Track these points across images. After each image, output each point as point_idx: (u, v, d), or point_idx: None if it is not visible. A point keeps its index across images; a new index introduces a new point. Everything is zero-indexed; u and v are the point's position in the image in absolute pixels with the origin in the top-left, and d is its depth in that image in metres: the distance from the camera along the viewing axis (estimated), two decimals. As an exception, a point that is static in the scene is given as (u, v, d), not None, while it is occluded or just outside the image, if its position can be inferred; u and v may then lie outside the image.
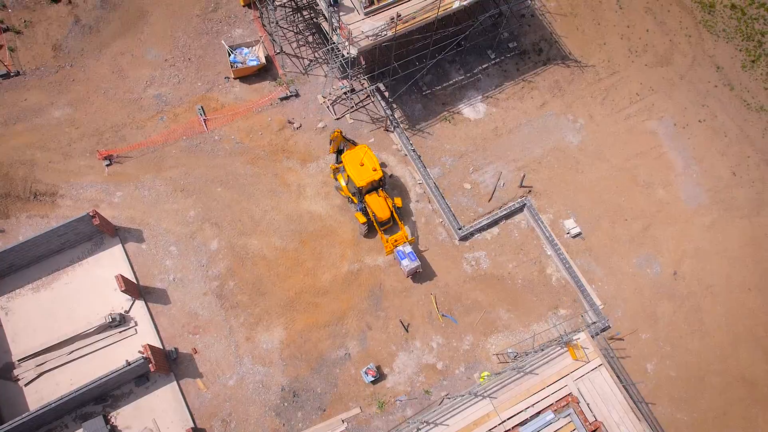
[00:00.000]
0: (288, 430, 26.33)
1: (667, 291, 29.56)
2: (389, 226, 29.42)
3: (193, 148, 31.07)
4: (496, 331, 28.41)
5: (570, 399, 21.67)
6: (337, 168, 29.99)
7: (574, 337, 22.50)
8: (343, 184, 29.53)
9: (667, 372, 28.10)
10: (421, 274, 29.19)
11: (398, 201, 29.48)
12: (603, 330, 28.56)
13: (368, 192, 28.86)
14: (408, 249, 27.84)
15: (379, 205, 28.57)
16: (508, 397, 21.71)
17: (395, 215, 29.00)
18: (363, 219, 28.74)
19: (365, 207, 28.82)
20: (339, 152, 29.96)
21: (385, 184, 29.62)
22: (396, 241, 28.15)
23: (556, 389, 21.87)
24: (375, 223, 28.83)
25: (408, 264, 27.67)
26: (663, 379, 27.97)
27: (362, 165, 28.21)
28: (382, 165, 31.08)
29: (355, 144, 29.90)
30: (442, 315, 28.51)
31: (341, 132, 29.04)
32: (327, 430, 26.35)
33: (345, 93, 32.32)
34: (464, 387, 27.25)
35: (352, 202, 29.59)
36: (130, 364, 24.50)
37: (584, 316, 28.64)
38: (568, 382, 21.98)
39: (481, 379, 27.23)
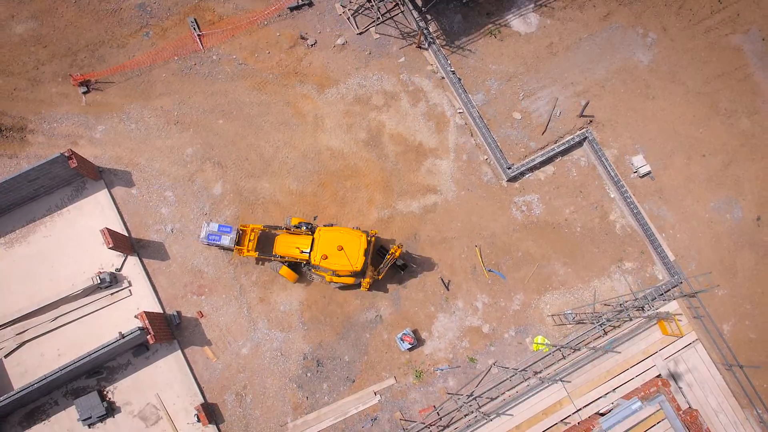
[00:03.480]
0: (312, 404, 22.87)
1: (748, 239, 25.27)
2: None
3: (187, 71, 25.74)
4: (551, 289, 24.37)
5: (660, 383, 17.82)
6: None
7: (665, 309, 18.35)
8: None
9: (746, 333, 24.28)
10: (463, 223, 24.80)
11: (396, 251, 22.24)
12: (674, 287, 24.49)
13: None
14: None
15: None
16: (584, 381, 17.95)
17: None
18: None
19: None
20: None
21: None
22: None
23: (642, 370, 17.98)
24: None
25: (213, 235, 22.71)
26: (741, 341, 24.14)
27: (340, 249, 21.67)
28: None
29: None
30: (489, 270, 24.38)
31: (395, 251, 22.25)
32: (357, 404, 22.90)
33: (369, 1, 26.49)
34: (514, 354, 23.56)
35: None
36: (124, 337, 20.59)
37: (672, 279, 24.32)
38: (657, 362, 18.11)
39: (535, 346, 23.48)
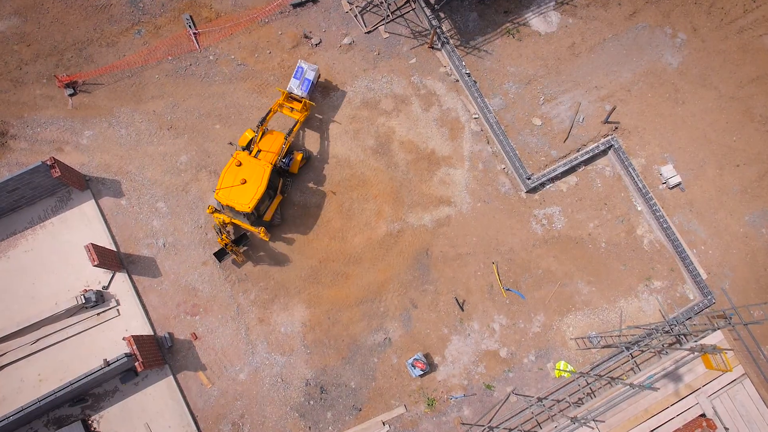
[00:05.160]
0: (315, 434, 21.05)
1: (786, 256, 23.44)
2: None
3: (182, 72, 23.91)
4: (574, 309, 22.53)
5: (704, 423, 15.96)
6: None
7: (708, 340, 16.49)
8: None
9: (785, 358, 22.47)
10: (479, 237, 22.96)
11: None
12: (706, 308, 22.65)
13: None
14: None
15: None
16: (620, 420, 16.08)
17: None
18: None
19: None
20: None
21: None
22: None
23: (684, 409, 16.11)
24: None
25: None
26: (780, 367, 22.37)
27: (245, 182, 20.44)
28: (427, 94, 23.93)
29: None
30: (506, 289, 22.54)
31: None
32: (364, 435, 21.07)
33: (378, -3, 24.70)
34: (535, 381, 21.72)
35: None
36: (109, 364, 18.77)
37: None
38: (700, 399, 16.20)
39: (557, 372, 21.65)
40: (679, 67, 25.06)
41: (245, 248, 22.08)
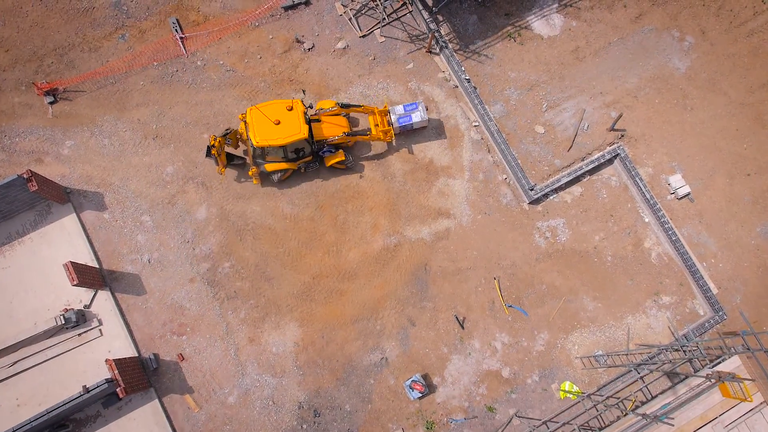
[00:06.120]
0: (308, 460, 20.04)
1: (800, 269, 22.47)
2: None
3: (168, 78, 22.85)
4: (580, 326, 21.54)
5: (721, 456, 15.00)
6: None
7: (724, 366, 15.49)
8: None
9: (799, 376, 21.50)
10: (480, 251, 21.94)
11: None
12: (717, 324, 21.69)
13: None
14: None
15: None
16: (631, 453, 15.03)
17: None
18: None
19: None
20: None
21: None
22: None
23: (700, 440, 15.15)
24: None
25: None
26: (794, 385, 21.41)
27: (278, 123, 20.05)
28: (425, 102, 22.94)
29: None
30: (509, 305, 21.54)
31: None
32: (360, 461, 20.06)
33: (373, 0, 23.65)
34: (539, 402, 20.73)
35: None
36: (88, 391, 17.71)
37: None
38: (717, 430, 15.21)
39: (562, 394, 20.67)
40: (687, 71, 24.06)
41: (233, 163, 21.80)
